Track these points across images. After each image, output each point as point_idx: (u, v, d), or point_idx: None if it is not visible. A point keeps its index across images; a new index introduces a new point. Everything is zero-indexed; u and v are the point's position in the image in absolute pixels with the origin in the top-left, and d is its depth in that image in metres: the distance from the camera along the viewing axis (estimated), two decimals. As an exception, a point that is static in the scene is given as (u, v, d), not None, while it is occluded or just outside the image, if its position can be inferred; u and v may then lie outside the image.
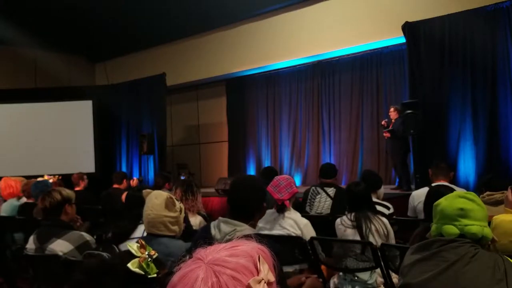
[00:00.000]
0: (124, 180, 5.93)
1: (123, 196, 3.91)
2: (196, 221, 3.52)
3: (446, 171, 4.11)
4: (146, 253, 1.22)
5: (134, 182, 6.83)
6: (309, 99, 9.17)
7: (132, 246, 1.23)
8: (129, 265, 1.17)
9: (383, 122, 7.04)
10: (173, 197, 2.29)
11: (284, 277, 2.26)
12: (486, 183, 3.56)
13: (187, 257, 0.82)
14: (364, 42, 7.44)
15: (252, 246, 0.81)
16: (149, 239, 2.12)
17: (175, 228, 2.18)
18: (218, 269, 0.74)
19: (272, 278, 0.77)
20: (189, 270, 0.75)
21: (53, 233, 2.73)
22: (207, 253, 0.78)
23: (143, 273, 1.19)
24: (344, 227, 3.11)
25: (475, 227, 1.56)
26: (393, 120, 6.81)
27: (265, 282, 0.75)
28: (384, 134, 6.98)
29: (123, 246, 2.77)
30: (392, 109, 6.84)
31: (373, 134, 8.32)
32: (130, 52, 10.47)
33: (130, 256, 1.21)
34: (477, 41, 6.00)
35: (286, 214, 3.08)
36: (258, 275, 0.75)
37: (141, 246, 1.24)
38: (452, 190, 2.68)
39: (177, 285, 0.74)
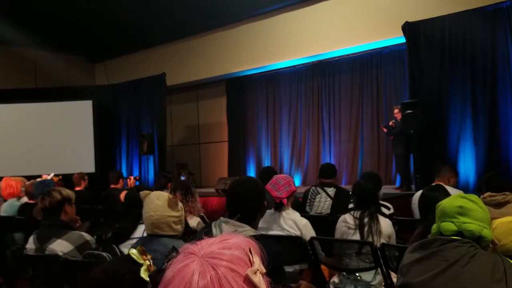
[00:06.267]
0: (120, 180, 5.93)
1: (122, 196, 3.91)
2: (194, 222, 3.50)
3: (446, 172, 4.10)
4: (148, 258, 1.22)
5: (131, 181, 6.82)
6: (309, 99, 9.17)
7: (134, 253, 1.23)
8: (142, 275, 1.17)
9: (390, 123, 7.09)
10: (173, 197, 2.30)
11: (285, 274, 2.26)
12: (486, 181, 3.54)
13: (174, 253, 0.82)
14: (364, 42, 7.44)
15: (242, 239, 0.81)
16: (150, 240, 2.13)
17: (178, 227, 2.19)
18: (214, 262, 0.74)
19: (263, 269, 0.77)
20: (183, 266, 0.74)
21: (53, 233, 2.73)
22: (199, 247, 0.77)
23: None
24: (347, 228, 3.09)
25: (473, 225, 1.57)
26: (398, 120, 6.84)
27: (260, 273, 0.75)
28: (383, 129, 7.13)
29: (123, 246, 2.77)
30: (396, 110, 6.85)
31: (373, 134, 8.32)
32: (130, 52, 10.48)
33: (131, 262, 1.20)
34: (477, 41, 6.00)
35: (285, 214, 3.08)
36: (252, 266, 0.75)
37: (142, 253, 1.23)
38: (447, 192, 2.68)
39: (172, 282, 0.74)
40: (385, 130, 7.22)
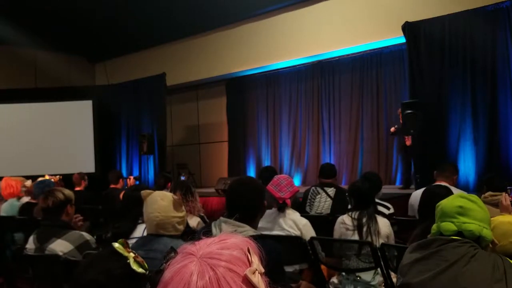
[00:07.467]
0: (120, 180, 5.93)
1: (121, 195, 3.91)
2: (194, 222, 3.50)
3: (450, 172, 4.10)
4: (131, 250, 1.22)
5: (131, 181, 6.82)
6: (309, 99, 9.17)
7: (118, 247, 1.22)
8: (134, 267, 1.17)
9: (392, 129, 7.05)
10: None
11: (285, 274, 2.26)
12: (488, 181, 3.54)
13: (173, 253, 0.82)
14: (364, 42, 7.44)
15: (240, 239, 0.81)
16: (150, 239, 2.13)
17: (181, 227, 2.21)
18: (213, 262, 0.74)
19: (262, 269, 0.77)
20: (181, 266, 0.74)
21: (53, 233, 2.73)
22: (197, 247, 0.77)
23: (145, 271, 1.19)
24: (345, 229, 3.09)
25: (473, 225, 1.57)
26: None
27: (259, 273, 0.75)
28: (406, 142, 6.83)
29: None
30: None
31: (373, 134, 8.32)
32: (130, 52, 10.47)
33: (117, 256, 1.20)
34: (477, 41, 5.99)
35: (286, 214, 3.08)
36: (251, 266, 0.75)
37: (126, 245, 1.23)
38: (449, 190, 2.68)
39: (171, 282, 0.74)
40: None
